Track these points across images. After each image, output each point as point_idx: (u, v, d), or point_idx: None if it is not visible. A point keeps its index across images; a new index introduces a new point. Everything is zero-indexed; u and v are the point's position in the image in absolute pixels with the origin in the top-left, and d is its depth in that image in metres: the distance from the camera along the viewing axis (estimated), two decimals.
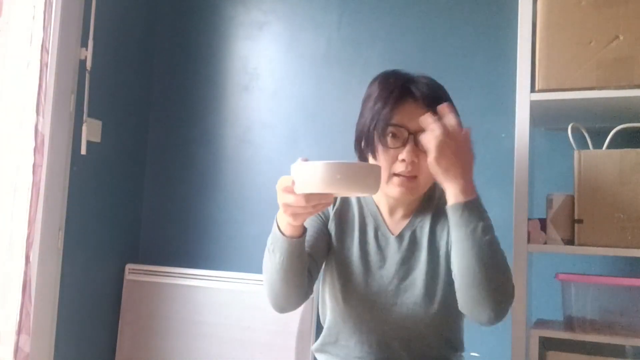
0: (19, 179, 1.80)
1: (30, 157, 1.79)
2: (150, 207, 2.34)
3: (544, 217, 1.48)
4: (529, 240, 1.45)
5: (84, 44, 1.97)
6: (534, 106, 1.47)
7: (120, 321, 2.19)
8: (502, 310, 1.07)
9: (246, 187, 2.20)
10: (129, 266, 2.20)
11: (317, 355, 1.33)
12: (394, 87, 1.19)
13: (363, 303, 1.24)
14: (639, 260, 1.47)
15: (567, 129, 1.50)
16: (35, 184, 1.80)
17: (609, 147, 1.48)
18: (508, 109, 1.59)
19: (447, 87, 1.30)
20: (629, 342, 1.37)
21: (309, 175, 0.91)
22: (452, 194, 1.06)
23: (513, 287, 1.09)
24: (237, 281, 2.04)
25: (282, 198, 1.03)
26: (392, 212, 1.28)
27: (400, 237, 1.25)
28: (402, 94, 1.18)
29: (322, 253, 1.27)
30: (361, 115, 1.24)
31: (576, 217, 1.42)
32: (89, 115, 1.99)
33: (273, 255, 1.12)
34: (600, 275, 1.51)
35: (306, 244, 1.16)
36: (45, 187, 1.84)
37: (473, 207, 1.05)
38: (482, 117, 1.89)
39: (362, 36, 2.09)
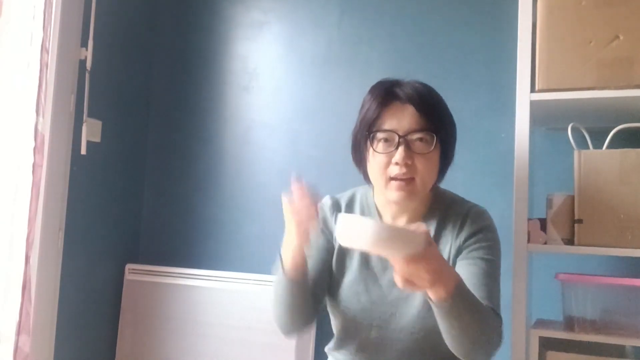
0: (19, 179, 1.80)
1: (30, 157, 1.79)
2: (150, 207, 2.34)
3: (544, 217, 1.48)
4: (529, 240, 1.45)
5: (84, 44, 1.97)
6: (534, 106, 1.47)
7: (120, 321, 2.19)
8: (491, 356, 1.11)
9: (246, 187, 2.20)
10: (129, 266, 2.20)
11: (329, 355, 1.35)
12: (379, 91, 1.21)
13: (363, 311, 1.24)
14: (639, 260, 1.47)
15: (567, 129, 1.50)
16: (35, 184, 1.80)
17: (609, 147, 1.48)
18: (508, 109, 1.59)
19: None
20: (629, 342, 1.37)
21: (355, 230, 0.91)
22: (433, 292, 0.98)
23: (501, 335, 1.11)
24: (237, 281, 2.04)
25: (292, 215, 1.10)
26: (395, 218, 1.26)
27: None
28: (387, 98, 1.19)
29: (327, 276, 1.28)
30: (355, 125, 1.26)
31: (576, 217, 1.42)
32: (89, 115, 1.99)
33: (277, 290, 1.20)
34: (600, 275, 1.51)
35: (311, 269, 1.22)
36: (45, 187, 1.84)
37: (456, 298, 0.98)
38: (482, 117, 1.89)
39: (362, 36, 2.09)
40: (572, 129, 1.50)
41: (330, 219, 1.30)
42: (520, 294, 1.42)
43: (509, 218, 1.46)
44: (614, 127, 1.48)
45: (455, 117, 1.27)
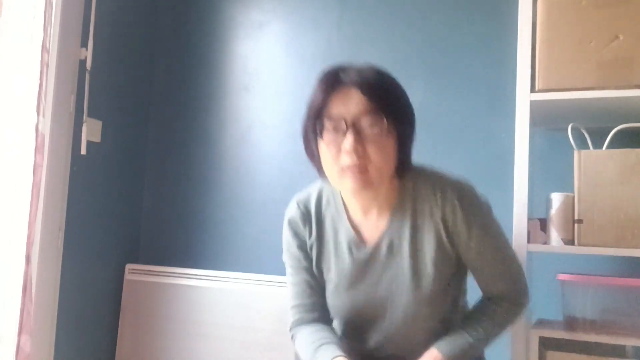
0: (19, 179, 1.80)
1: (30, 157, 1.79)
2: (150, 207, 2.34)
3: (544, 217, 1.48)
4: (529, 240, 1.45)
5: (84, 44, 1.97)
6: (534, 106, 1.47)
7: (120, 321, 2.19)
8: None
9: (246, 186, 2.20)
10: (129, 266, 2.20)
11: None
12: (324, 78, 1.14)
13: (352, 316, 1.24)
14: (639, 260, 1.47)
15: (567, 129, 1.51)
16: (35, 184, 1.80)
17: (609, 147, 1.48)
18: (508, 109, 1.59)
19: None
20: (629, 342, 1.37)
21: None
22: None
23: (525, 304, 1.28)
24: (237, 281, 2.04)
25: None
26: (365, 212, 1.21)
27: (377, 247, 1.20)
28: (332, 83, 1.12)
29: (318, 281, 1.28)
30: (303, 116, 1.19)
31: (576, 217, 1.42)
32: (89, 115, 1.99)
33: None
34: (600, 275, 1.51)
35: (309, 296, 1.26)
36: (45, 187, 1.84)
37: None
38: (482, 117, 1.89)
39: (362, 36, 2.09)
40: (572, 129, 1.50)
41: (304, 231, 1.26)
42: None
43: (509, 218, 1.46)
44: (614, 127, 1.48)
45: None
